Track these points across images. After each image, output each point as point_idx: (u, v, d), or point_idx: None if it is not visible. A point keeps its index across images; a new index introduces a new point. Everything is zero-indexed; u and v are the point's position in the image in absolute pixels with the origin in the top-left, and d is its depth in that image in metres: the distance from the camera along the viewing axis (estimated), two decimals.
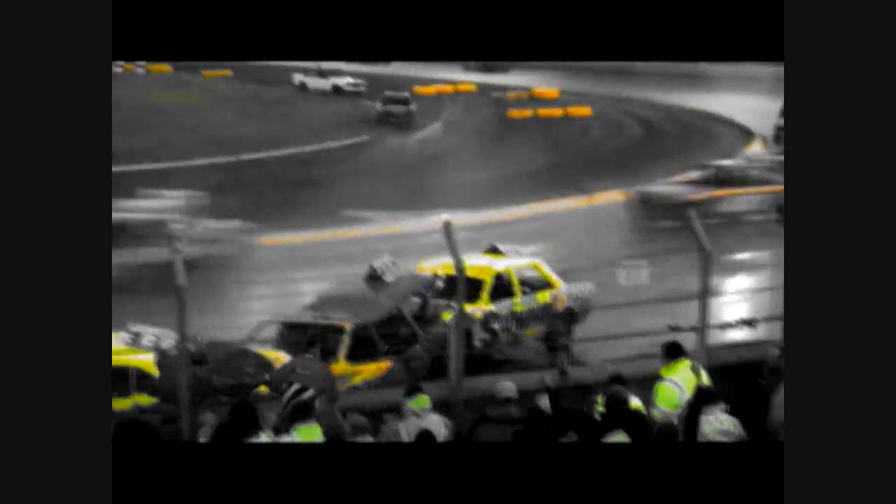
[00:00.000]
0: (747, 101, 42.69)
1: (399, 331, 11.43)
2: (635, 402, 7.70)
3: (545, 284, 13.55)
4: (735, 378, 8.11)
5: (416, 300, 12.09)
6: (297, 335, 11.03)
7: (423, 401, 7.75)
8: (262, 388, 9.74)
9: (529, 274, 13.66)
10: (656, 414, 7.75)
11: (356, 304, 11.42)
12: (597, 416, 7.47)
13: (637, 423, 7.13)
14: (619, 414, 7.16)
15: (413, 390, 7.84)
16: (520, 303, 13.12)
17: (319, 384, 8.61)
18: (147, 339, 10.17)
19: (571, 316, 13.55)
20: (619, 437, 6.95)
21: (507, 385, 7.94)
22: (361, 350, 10.88)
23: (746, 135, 35.10)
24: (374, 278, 11.78)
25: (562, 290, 13.57)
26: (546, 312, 13.21)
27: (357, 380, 10.52)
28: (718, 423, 7.20)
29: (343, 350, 10.89)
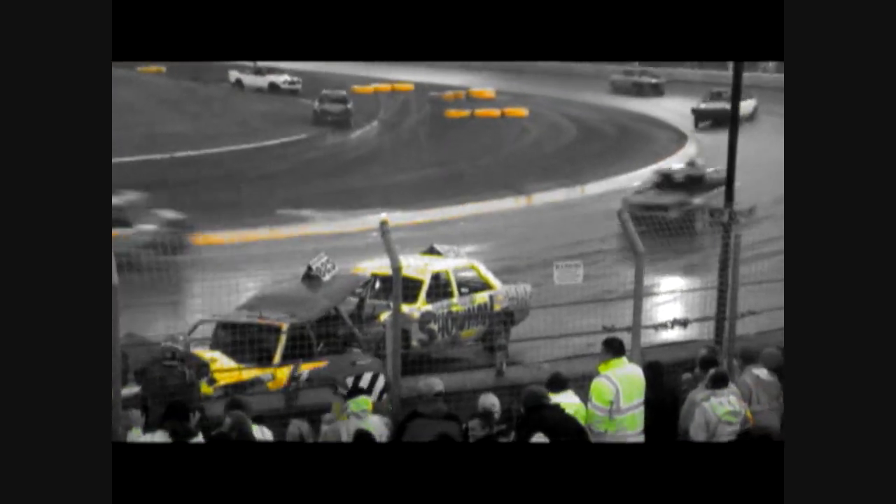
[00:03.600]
0: (680, 105, 43.30)
1: (336, 331, 11.38)
2: (569, 401, 7.78)
3: (483, 285, 13.59)
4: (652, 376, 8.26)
5: (353, 300, 12.08)
6: (232, 335, 10.94)
7: (364, 402, 7.76)
8: (204, 389, 9.64)
9: (467, 274, 13.71)
10: (591, 411, 7.85)
11: (293, 304, 11.33)
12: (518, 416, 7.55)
13: (557, 423, 7.22)
14: (537, 413, 7.25)
15: (353, 392, 7.84)
16: (457, 303, 13.15)
17: (379, 368, 9.10)
18: None
19: (508, 316, 13.62)
20: (538, 438, 7.03)
21: (434, 381, 8.01)
22: (298, 350, 10.82)
23: (680, 137, 35.60)
24: (311, 278, 11.75)
25: (499, 291, 13.64)
26: (483, 313, 13.26)
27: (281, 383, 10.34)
28: (729, 405, 7.72)
29: (279, 350, 10.80)
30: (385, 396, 8.79)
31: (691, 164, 24.77)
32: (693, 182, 22.18)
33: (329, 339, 11.21)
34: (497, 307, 13.43)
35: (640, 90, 48.73)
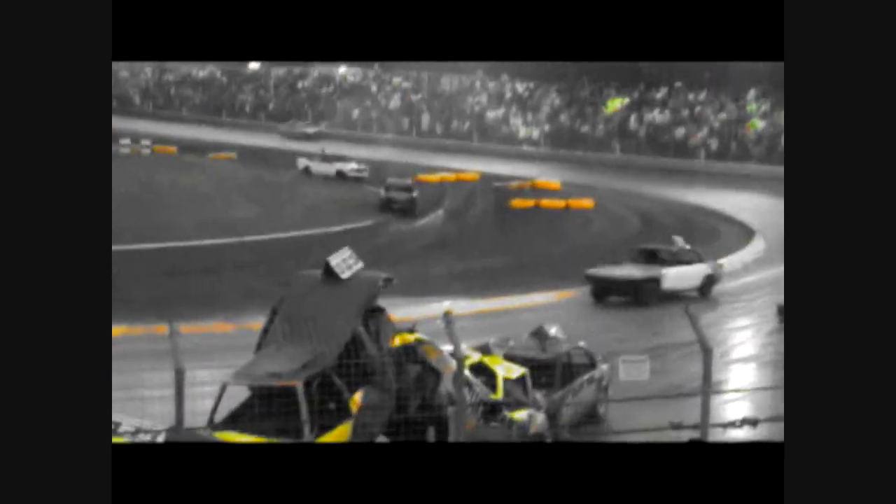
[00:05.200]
0: (747, 200, 42.97)
1: (359, 362, 10.50)
2: None
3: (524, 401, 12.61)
4: None
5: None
6: (259, 402, 10.29)
7: None
8: None
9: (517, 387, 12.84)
10: None
11: (313, 333, 10.59)
12: None
13: None
14: None
15: None
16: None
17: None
18: (124, 429, 9.71)
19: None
20: None
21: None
22: (325, 403, 10.11)
23: (747, 232, 35.25)
24: (329, 275, 11.28)
25: (537, 416, 12.59)
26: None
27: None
28: None
29: (304, 421, 9.98)
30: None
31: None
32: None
33: (352, 376, 10.39)
34: (534, 429, 12.23)
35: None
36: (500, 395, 12.42)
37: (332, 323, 10.69)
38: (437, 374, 10.71)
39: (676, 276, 23.13)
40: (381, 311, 11.47)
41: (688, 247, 24.81)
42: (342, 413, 10.16)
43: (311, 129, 65.79)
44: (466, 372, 11.59)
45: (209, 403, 12.47)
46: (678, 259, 23.95)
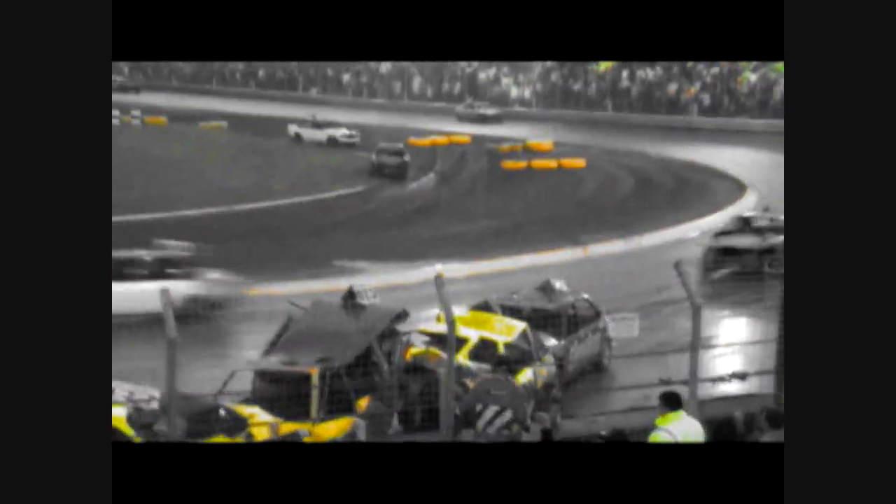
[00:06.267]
0: (739, 154, 42.92)
1: (369, 372, 10.99)
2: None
3: (530, 356, 12.77)
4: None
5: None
6: (268, 386, 10.70)
7: None
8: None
9: (520, 344, 12.92)
10: None
11: (329, 340, 10.93)
12: None
13: None
14: None
15: None
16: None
17: (514, 404, 8.90)
18: (119, 394, 9.82)
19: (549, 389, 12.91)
20: None
21: None
22: (334, 402, 10.54)
23: (739, 187, 35.23)
24: (351, 297, 11.63)
25: (544, 365, 12.84)
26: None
27: (321, 438, 9.94)
28: None
29: (314, 402, 10.40)
30: (504, 433, 8.75)
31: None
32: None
33: (362, 384, 10.81)
34: (540, 384, 12.45)
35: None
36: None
37: (348, 336, 11.06)
38: (438, 379, 10.84)
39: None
40: (396, 334, 11.83)
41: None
42: (347, 409, 10.44)
43: (490, 111, 58.86)
44: (465, 360, 11.78)
45: (201, 372, 12.53)
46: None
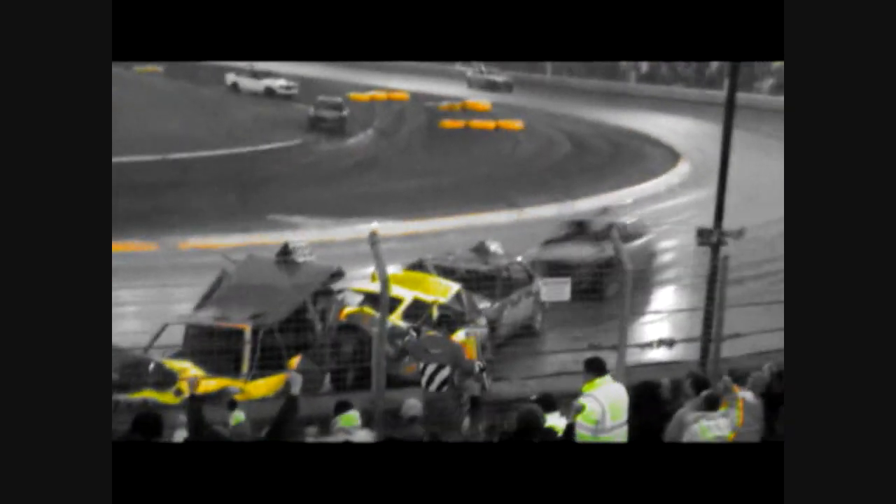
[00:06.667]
0: (676, 123, 43.37)
1: (302, 329, 10.91)
2: (559, 423, 7.76)
3: (463, 319, 12.44)
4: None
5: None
6: (200, 341, 10.61)
7: (351, 418, 7.69)
8: (166, 398, 9.52)
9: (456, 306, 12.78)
10: (577, 430, 7.82)
11: (262, 296, 10.84)
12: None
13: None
14: (528, 437, 7.16)
15: (341, 406, 7.78)
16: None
17: (453, 361, 9.07)
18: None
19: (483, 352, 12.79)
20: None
21: (411, 403, 7.98)
22: (266, 357, 10.50)
23: (674, 156, 35.65)
24: (286, 254, 11.48)
25: (476, 331, 12.15)
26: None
27: (252, 396, 9.98)
28: (717, 430, 7.66)
29: (245, 359, 10.36)
30: (444, 389, 8.91)
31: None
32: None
33: (294, 342, 10.75)
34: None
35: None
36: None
37: (282, 292, 10.93)
38: (370, 339, 10.87)
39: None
40: (331, 293, 11.71)
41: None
42: (278, 367, 10.35)
43: (500, 78, 55.03)
44: (398, 320, 11.72)
45: (132, 324, 12.42)
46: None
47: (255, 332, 10.51)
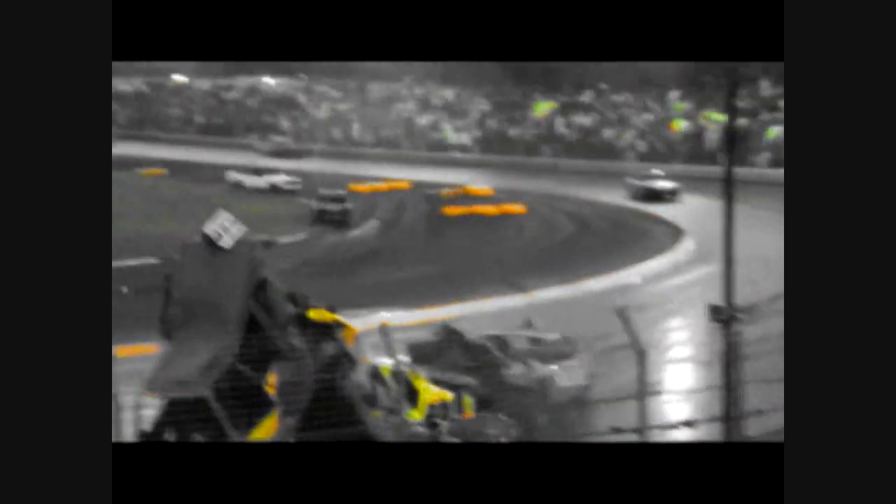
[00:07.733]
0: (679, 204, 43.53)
1: (264, 346, 9.71)
2: None
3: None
4: None
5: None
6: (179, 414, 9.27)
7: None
8: None
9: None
10: None
11: (210, 322, 9.63)
12: None
13: None
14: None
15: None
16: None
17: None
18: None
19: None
20: None
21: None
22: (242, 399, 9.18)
23: (676, 232, 35.76)
24: (210, 244, 10.08)
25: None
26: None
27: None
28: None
29: (223, 420, 8.98)
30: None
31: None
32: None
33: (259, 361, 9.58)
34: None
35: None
36: (421, 415, 11.38)
37: (223, 307, 9.80)
38: (351, 361, 10.20)
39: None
40: (267, 282, 10.34)
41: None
42: (263, 404, 9.43)
43: (668, 184, 44.21)
44: (386, 376, 11.17)
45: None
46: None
47: (216, 393, 9.17)
